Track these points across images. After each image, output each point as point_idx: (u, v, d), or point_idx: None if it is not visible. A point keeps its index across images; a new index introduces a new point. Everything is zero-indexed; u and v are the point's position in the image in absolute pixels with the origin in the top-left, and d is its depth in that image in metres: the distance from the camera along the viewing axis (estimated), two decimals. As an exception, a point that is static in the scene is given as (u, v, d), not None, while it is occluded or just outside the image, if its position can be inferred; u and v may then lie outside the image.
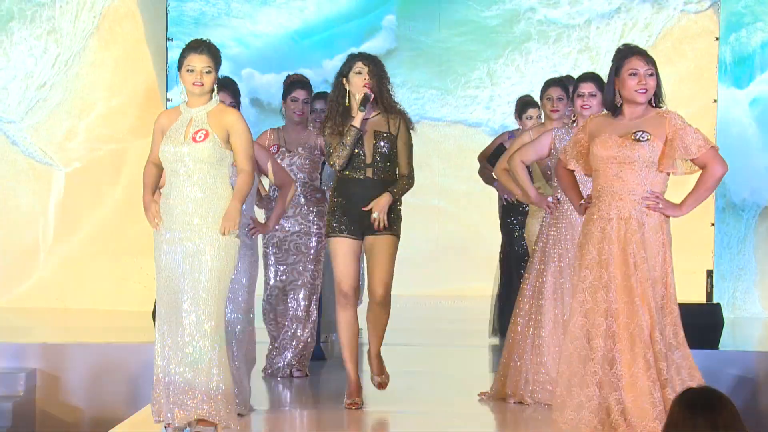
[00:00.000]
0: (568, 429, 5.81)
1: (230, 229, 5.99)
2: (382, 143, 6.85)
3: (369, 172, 6.86)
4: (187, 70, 6.06)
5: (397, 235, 6.93)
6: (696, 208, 6.08)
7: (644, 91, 5.89)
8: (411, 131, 6.93)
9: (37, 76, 11.47)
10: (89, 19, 11.42)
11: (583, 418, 5.82)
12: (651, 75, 5.90)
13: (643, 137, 5.84)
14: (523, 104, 9.22)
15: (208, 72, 6.07)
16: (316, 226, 8.07)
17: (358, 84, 6.84)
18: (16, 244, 11.54)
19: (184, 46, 6.19)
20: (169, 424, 5.99)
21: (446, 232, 12.37)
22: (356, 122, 6.82)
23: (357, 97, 6.83)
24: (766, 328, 10.91)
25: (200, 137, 6.03)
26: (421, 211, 11.62)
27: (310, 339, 8.06)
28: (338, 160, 6.83)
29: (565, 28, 11.90)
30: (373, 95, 6.82)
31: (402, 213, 6.97)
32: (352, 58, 6.93)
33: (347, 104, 6.86)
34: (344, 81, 6.89)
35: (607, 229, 5.87)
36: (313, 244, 8.08)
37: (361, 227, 6.88)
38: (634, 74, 5.89)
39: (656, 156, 5.85)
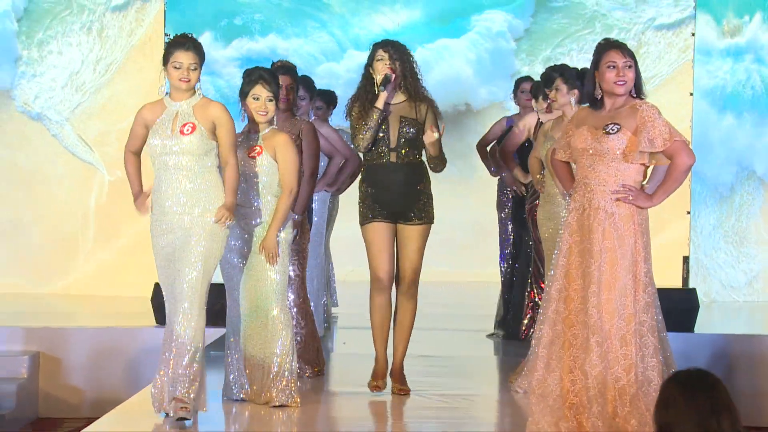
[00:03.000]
0: (551, 415, 5.79)
1: (227, 220, 6.00)
2: (407, 128, 6.79)
3: (393, 157, 6.79)
4: (174, 66, 6.04)
5: (430, 221, 6.86)
6: (673, 197, 6.05)
7: (623, 83, 5.83)
8: (439, 120, 6.86)
9: (82, 75, 11.39)
10: (136, 28, 11.29)
11: (565, 400, 5.80)
12: (629, 67, 5.84)
13: (612, 130, 5.79)
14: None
15: (194, 69, 6.06)
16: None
17: (380, 69, 6.78)
18: (56, 238, 11.44)
19: (169, 41, 6.18)
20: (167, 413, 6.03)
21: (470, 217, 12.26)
22: (379, 103, 6.76)
23: (378, 77, 6.77)
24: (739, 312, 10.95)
25: (188, 130, 6.02)
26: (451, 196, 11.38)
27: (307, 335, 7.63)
28: (362, 142, 6.78)
29: (625, 27, 11.78)
30: (393, 75, 6.76)
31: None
32: (374, 47, 6.88)
33: (376, 92, 6.79)
34: (370, 70, 6.84)
35: (581, 219, 5.85)
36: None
37: (393, 213, 6.81)
38: (613, 67, 5.83)
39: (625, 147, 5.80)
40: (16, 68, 11.40)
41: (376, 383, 6.86)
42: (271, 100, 6.44)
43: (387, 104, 6.81)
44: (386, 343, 6.92)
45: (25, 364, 8.30)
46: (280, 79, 7.33)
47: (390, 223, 6.82)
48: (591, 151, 5.82)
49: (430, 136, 6.74)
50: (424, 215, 6.82)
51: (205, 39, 11.51)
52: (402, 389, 6.86)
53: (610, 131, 5.78)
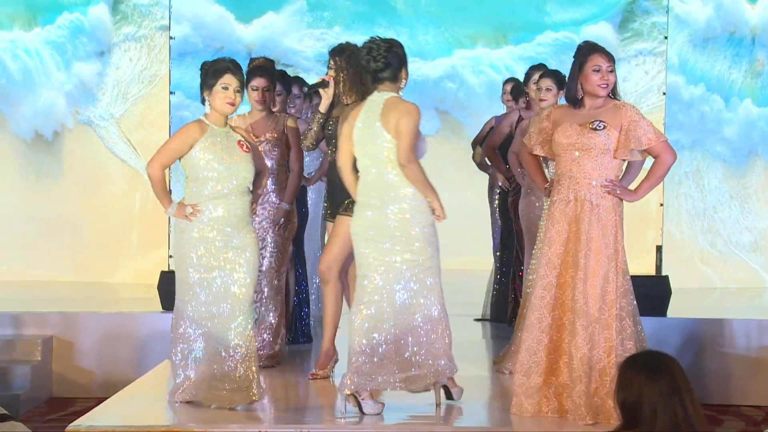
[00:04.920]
0: (533, 396, 5.91)
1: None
2: None
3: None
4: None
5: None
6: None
7: (605, 85, 5.94)
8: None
9: (128, 81, 11.38)
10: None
11: (546, 381, 5.93)
12: (611, 71, 5.96)
13: (599, 126, 5.89)
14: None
15: None
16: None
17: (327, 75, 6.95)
18: (101, 239, 11.39)
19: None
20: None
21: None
22: (321, 107, 6.94)
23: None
24: (709, 298, 11.03)
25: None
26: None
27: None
28: (306, 141, 7.05)
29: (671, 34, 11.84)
30: (329, 82, 6.88)
31: None
32: (329, 54, 7.00)
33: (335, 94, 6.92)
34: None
35: (566, 210, 5.94)
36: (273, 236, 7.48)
37: (337, 207, 6.89)
38: (597, 70, 5.93)
39: (611, 144, 5.90)
40: (79, 74, 11.50)
41: (314, 372, 6.98)
42: (238, 91, 6.24)
43: (345, 105, 6.86)
44: (331, 333, 6.91)
45: (39, 348, 8.34)
46: (256, 81, 7.29)
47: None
48: (577, 146, 5.91)
49: None
50: (347, 208, 6.72)
51: (269, 21, 11.49)
52: (315, 375, 6.93)
53: (597, 128, 5.88)
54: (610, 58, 5.98)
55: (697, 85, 11.54)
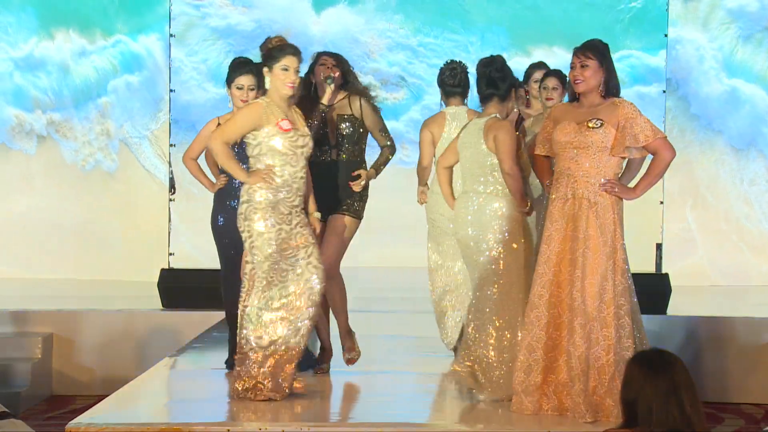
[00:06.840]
0: (533, 393, 5.89)
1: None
2: (343, 125, 6.77)
3: (333, 154, 6.77)
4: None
5: (355, 216, 6.79)
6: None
7: (578, 81, 5.95)
8: (374, 103, 6.85)
9: (166, 99, 11.32)
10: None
11: (545, 379, 5.91)
12: (583, 67, 5.93)
13: (596, 124, 5.89)
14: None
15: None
16: None
17: (323, 71, 6.78)
18: (129, 252, 11.35)
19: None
20: None
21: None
22: (324, 99, 6.78)
23: (322, 77, 6.76)
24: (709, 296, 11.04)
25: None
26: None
27: None
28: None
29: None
30: (338, 73, 6.77)
31: (368, 195, 6.85)
32: (318, 55, 6.91)
33: (315, 96, 6.78)
34: (311, 76, 6.82)
35: (564, 208, 5.93)
36: None
37: (327, 209, 6.72)
38: (572, 68, 5.98)
39: (608, 142, 5.89)
40: (120, 92, 11.50)
41: (320, 366, 6.85)
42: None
43: (328, 105, 6.80)
44: (325, 329, 6.85)
45: (39, 345, 8.35)
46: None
47: (325, 222, 6.75)
48: (574, 144, 5.91)
49: (357, 186, 6.73)
50: (349, 208, 6.72)
51: (337, 15, 11.51)
52: (350, 358, 6.85)
53: (594, 125, 5.88)
54: (583, 55, 5.96)
55: (732, 79, 11.61)
